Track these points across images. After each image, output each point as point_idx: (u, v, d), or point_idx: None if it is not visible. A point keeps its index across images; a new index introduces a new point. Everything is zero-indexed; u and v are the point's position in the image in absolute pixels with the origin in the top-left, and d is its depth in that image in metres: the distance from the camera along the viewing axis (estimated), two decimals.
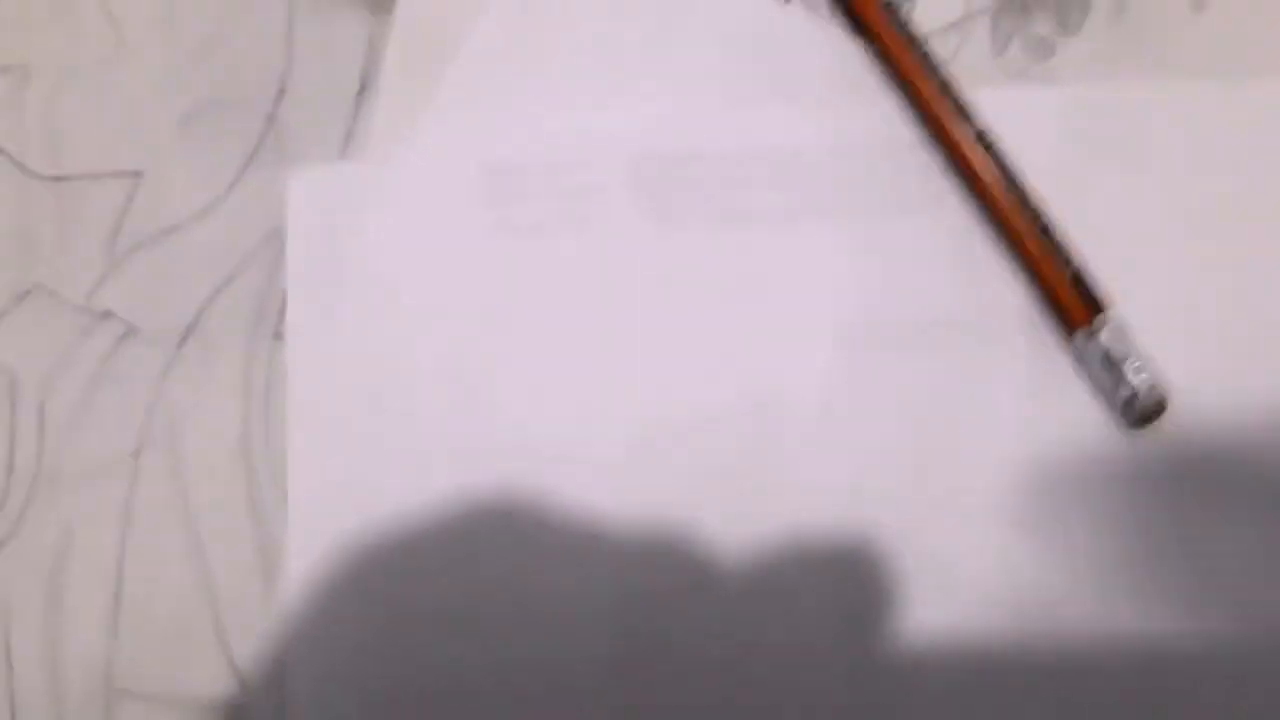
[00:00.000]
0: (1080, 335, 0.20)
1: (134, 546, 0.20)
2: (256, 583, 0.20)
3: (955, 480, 0.20)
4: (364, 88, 0.22)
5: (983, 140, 0.20)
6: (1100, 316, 0.20)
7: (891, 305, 0.21)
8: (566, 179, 0.21)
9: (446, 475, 0.20)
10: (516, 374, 0.21)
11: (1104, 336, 0.20)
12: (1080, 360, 0.20)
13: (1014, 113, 0.21)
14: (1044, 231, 0.20)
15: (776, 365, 0.20)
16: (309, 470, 0.20)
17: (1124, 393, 0.19)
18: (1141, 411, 0.19)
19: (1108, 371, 0.20)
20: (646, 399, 0.20)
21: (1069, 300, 0.20)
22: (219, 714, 0.19)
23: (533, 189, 0.21)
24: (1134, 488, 0.20)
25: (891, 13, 0.21)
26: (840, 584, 0.20)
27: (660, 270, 0.21)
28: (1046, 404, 0.20)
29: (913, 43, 0.21)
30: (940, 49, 0.22)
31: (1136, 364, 0.19)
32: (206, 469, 0.20)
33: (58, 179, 0.22)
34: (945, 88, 0.21)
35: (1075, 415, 0.20)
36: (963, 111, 0.21)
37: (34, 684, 0.20)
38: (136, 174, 0.22)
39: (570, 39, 0.22)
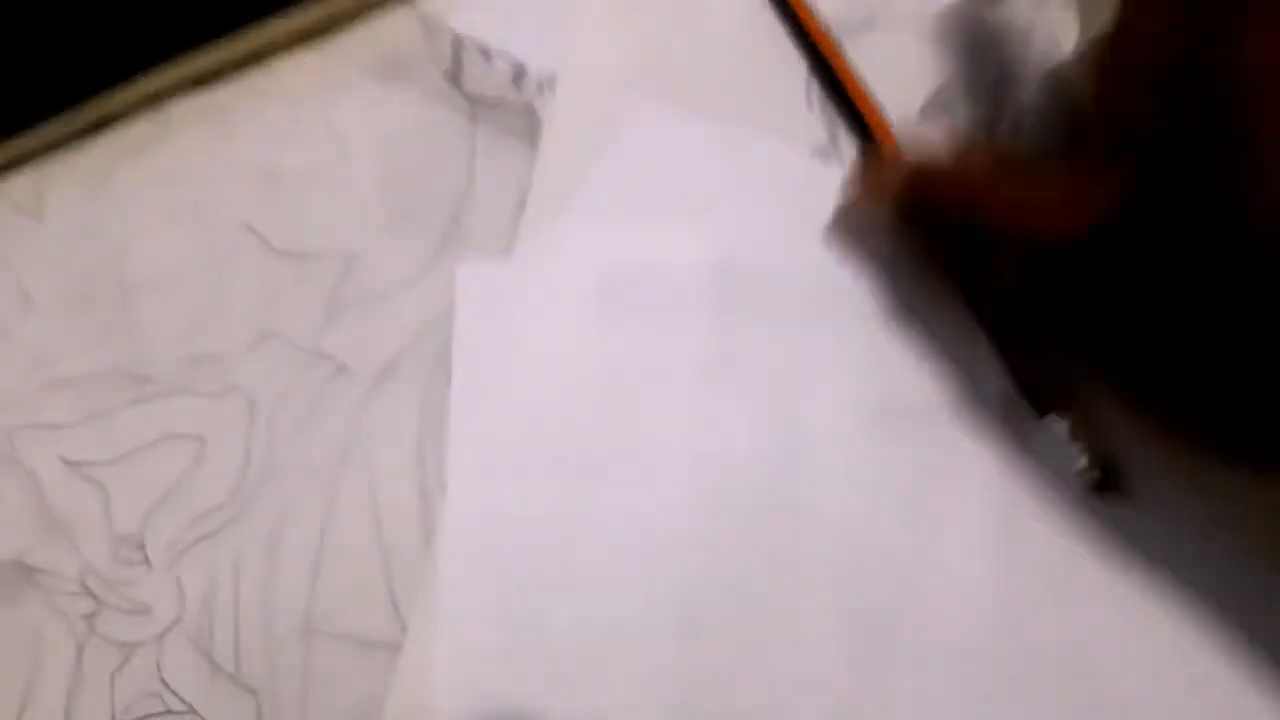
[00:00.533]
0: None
1: (332, 526, 0.27)
2: (420, 554, 0.27)
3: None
4: (523, 203, 0.30)
5: None
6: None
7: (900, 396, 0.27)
8: (658, 282, 0.29)
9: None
10: (615, 442, 0.27)
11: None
12: (1048, 439, 0.26)
13: None
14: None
15: (809, 441, 0.27)
16: (462, 486, 0.27)
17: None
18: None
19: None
20: (699, 455, 0.27)
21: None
22: (386, 650, 0.26)
23: (631, 288, 0.29)
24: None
25: None
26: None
27: (723, 356, 0.28)
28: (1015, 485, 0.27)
29: None
30: None
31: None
32: (389, 470, 0.27)
33: (297, 254, 0.30)
34: None
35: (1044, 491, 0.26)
36: None
37: (254, 623, 0.27)
38: (354, 255, 0.30)
39: (666, 172, 0.30)
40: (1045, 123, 0.27)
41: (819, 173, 0.30)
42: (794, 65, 0.30)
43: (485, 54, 0.31)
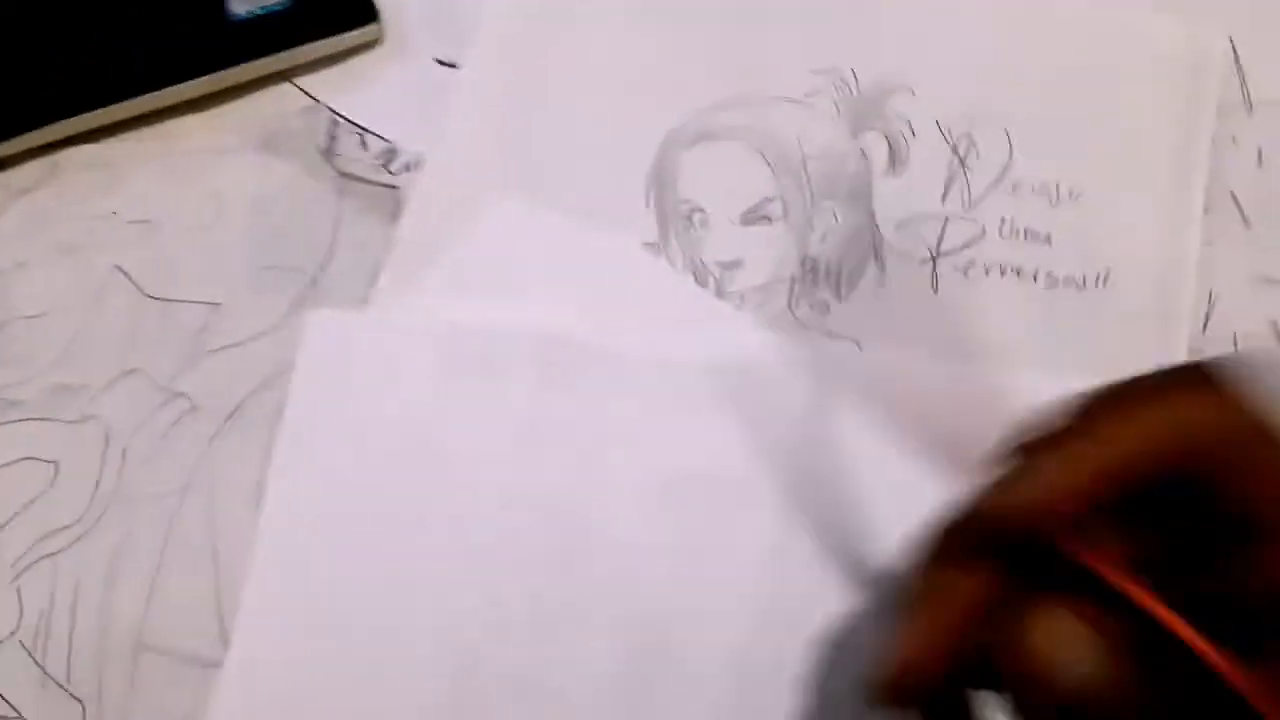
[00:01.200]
0: None
1: (171, 551, 0.30)
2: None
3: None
4: (376, 274, 0.33)
5: None
6: None
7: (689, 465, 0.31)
8: (491, 348, 0.32)
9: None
10: (430, 486, 0.31)
11: None
12: None
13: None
14: None
15: (607, 498, 0.31)
16: (279, 514, 0.30)
17: None
18: None
19: None
20: (513, 504, 0.31)
21: None
22: (211, 667, 0.29)
23: (465, 352, 0.32)
24: None
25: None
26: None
27: (542, 419, 0.32)
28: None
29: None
30: (751, 301, 0.34)
31: None
32: (229, 504, 0.30)
33: (163, 300, 0.33)
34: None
35: None
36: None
37: (88, 637, 0.29)
38: (216, 304, 0.33)
39: (516, 254, 0.34)
40: None
41: (648, 263, 0.34)
42: (637, 168, 0.35)
43: (360, 135, 0.35)
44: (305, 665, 0.29)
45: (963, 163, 0.36)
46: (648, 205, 0.35)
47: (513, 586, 0.30)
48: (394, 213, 0.34)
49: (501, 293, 0.33)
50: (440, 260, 0.33)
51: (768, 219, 0.35)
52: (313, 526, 0.30)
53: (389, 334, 0.32)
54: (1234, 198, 0.36)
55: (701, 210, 0.35)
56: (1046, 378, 0.32)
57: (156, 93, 0.35)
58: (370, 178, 0.34)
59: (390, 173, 0.34)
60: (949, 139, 0.36)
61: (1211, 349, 0.34)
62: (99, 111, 0.35)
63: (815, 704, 0.29)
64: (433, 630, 0.29)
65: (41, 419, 0.32)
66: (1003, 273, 0.35)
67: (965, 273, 0.34)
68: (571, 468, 0.31)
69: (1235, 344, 0.34)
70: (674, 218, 0.35)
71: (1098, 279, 0.35)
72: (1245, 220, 0.36)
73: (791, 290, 0.34)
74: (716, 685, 0.29)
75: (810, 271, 0.34)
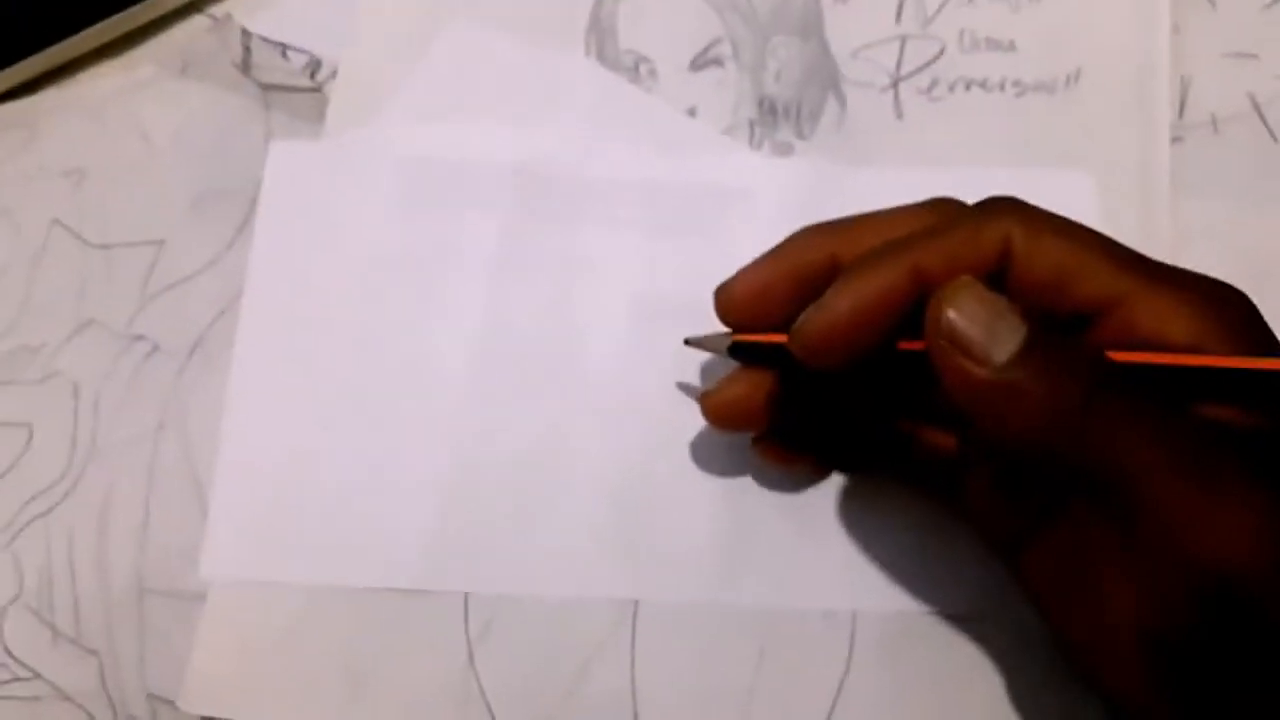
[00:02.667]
0: None
1: (155, 492, 0.29)
2: None
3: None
4: None
5: None
6: None
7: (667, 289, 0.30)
8: (460, 175, 0.31)
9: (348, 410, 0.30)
10: (404, 316, 0.30)
11: None
12: None
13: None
14: None
15: (586, 325, 0.30)
16: (251, 349, 0.30)
17: None
18: None
19: None
20: (490, 334, 0.30)
21: None
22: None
23: (434, 177, 0.31)
24: None
25: None
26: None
27: (515, 248, 0.31)
28: None
29: None
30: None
31: None
32: (204, 436, 0.30)
33: (106, 246, 0.32)
34: None
35: None
36: None
37: (90, 587, 0.29)
38: (160, 242, 0.32)
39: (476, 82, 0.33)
40: None
41: (622, 90, 0.33)
42: (573, 24, 0.33)
43: (281, 49, 0.33)
44: (285, 503, 0.29)
45: None
46: (589, 58, 0.33)
47: (490, 421, 0.29)
48: (323, 119, 0.32)
49: (463, 120, 0.32)
50: (400, 91, 0.32)
51: (718, 62, 0.33)
52: (283, 364, 0.30)
53: (353, 162, 0.32)
54: None
55: (647, 60, 0.33)
56: (1008, 172, 0.31)
57: (66, 41, 0.33)
58: (294, 84, 0.33)
59: (315, 81, 0.33)
60: None
61: (1192, 135, 0.32)
62: (9, 70, 0.33)
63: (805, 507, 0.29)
64: (415, 464, 0.29)
65: (5, 383, 0.31)
66: (968, 87, 0.33)
67: (929, 93, 0.33)
68: (549, 298, 0.30)
69: (1214, 124, 0.32)
70: (618, 70, 0.33)
71: (1068, 79, 0.33)
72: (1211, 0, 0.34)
73: (752, 134, 0.32)
74: (704, 504, 0.29)
75: (769, 112, 0.33)
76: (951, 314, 0.21)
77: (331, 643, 0.28)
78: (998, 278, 0.22)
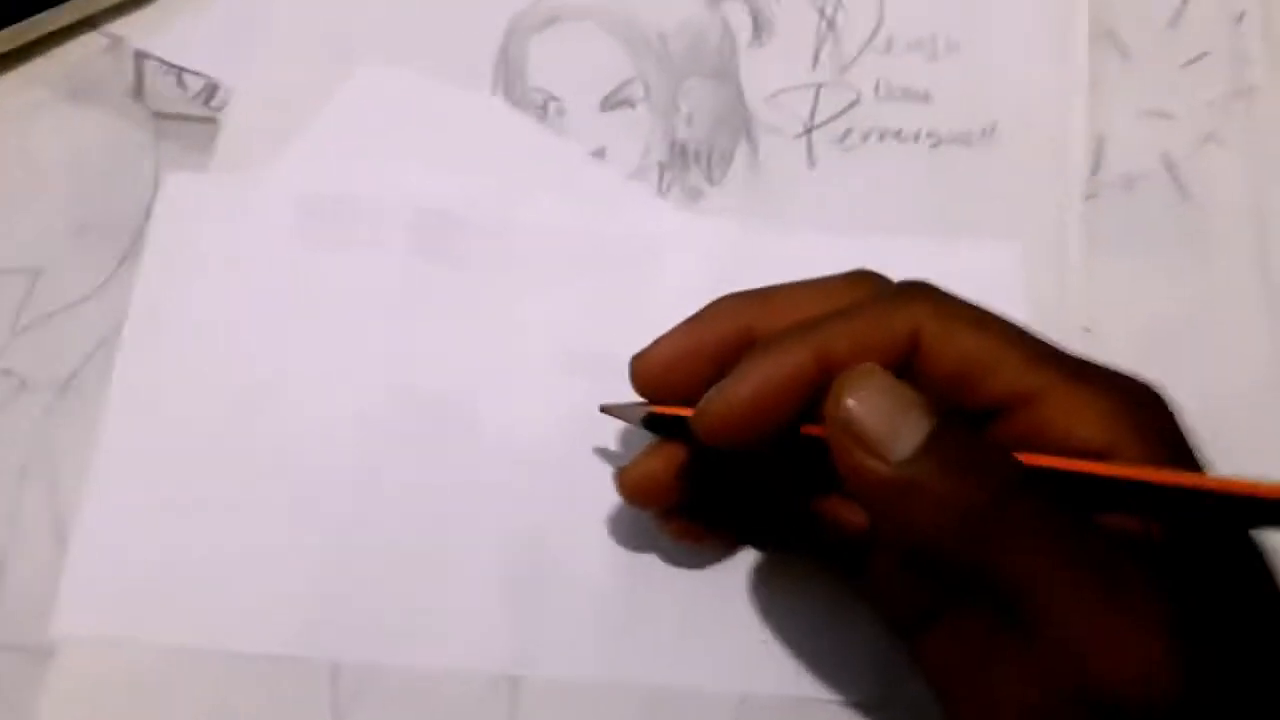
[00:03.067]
0: None
1: (14, 542, 0.27)
2: None
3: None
4: None
5: None
6: None
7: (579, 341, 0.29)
8: (359, 213, 0.30)
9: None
10: (294, 362, 0.29)
11: None
12: None
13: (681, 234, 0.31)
14: None
15: (492, 377, 0.29)
16: (127, 395, 0.28)
17: None
18: None
19: None
20: (387, 384, 0.28)
21: None
22: None
23: (331, 213, 0.30)
24: None
25: None
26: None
27: (418, 293, 0.29)
28: None
29: None
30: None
31: None
32: (71, 486, 0.28)
33: None
34: None
35: None
36: None
37: None
38: (38, 270, 0.30)
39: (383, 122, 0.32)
40: None
41: (531, 131, 0.32)
42: (481, 59, 0.32)
43: (177, 73, 0.32)
44: (150, 558, 0.27)
45: (830, 24, 0.33)
46: (496, 96, 0.32)
47: (378, 478, 0.28)
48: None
49: (366, 159, 0.31)
50: (290, 131, 0.31)
51: (629, 104, 0.32)
52: (163, 406, 0.28)
53: (249, 197, 0.30)
54: (1111, 34, 0.34)
55: (556, 99, 0.32)
56: (935, 242, 0.31)
57: None
58: (187, 112, 0.31)
59: (211, 108, 0.32)
60: (815, 1, 0.34)
61: (1106, 192, 0.32)
62: None
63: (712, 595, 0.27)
64: (293, 524, 0.27)
65: None
66: (882, 138, 0.33)
67: (842, 142, 0.32)
68: (449, 346, 0.29)
69: (1130, 184, 0.32)
70: (527, 109, 0.32)
71: (983, 132, 0.33)
72: (1125, 54, 0.34)
73: (661, 177, 0.32)
74: (597, 575, 0.27)
75: (679, 155, 0.32)
76: (850, 403, 0.20)
77: (190, 709, 0.26)
78: (905, 368, 0.22)
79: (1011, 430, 0.21)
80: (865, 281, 0.24)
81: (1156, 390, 0.21)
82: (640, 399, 0.25)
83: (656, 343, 0.24)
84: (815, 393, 0.21)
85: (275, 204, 0.30)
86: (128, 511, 0.27)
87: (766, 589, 0.27)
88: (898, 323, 0.22)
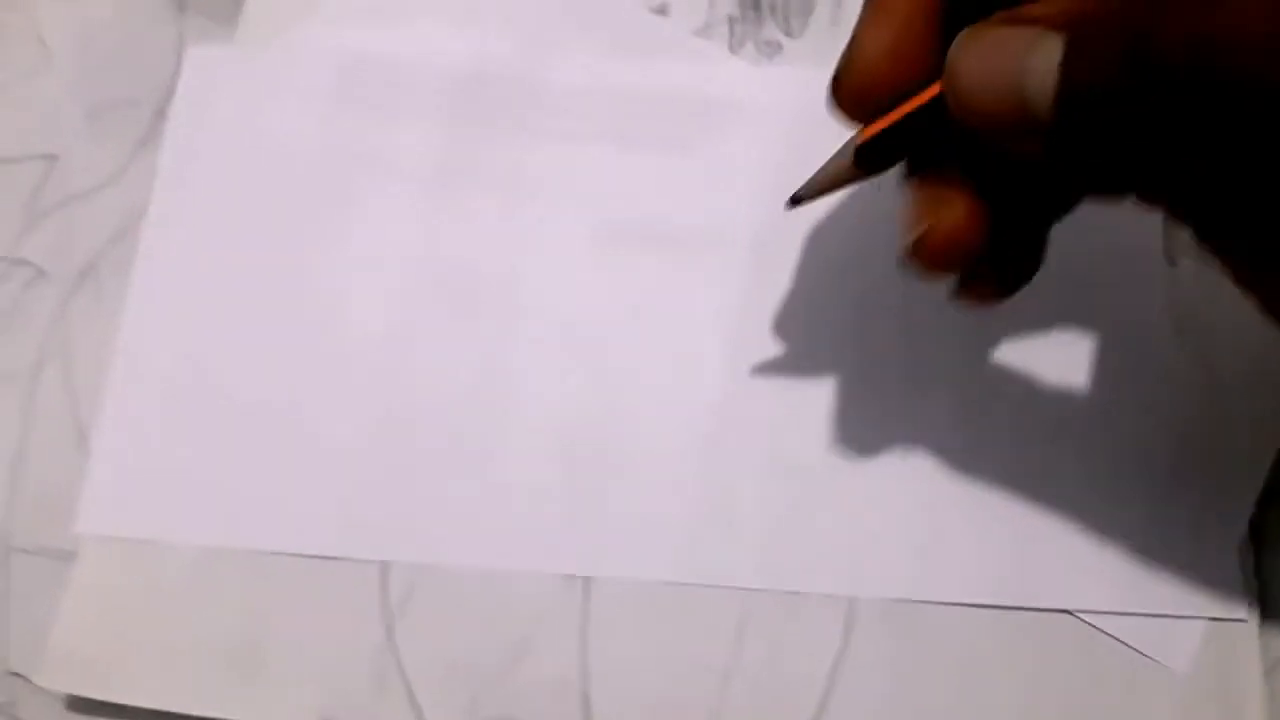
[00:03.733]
0: None
1: (31, 436, 0.25)
2: None
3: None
4: None
5: None
6: None
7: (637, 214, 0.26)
8: (401, 80, 0.27)
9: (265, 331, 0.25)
10: (318, 235, 0.26)
11: None
12: None
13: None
14: None
15: (538, 254, 0.26)
16: (152, 272, 0.26)
17: None
18: None
19: None
20: (424, 262, 0.26)
21: None
22: None
23: (370, 82, 0.27)
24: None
25: None
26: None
27: (458, 163, 0.26)
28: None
29: None
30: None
31: None
32: (89, 373, 0.25)
33: None
34: None
35: None
36: None
37: None
38: (53, 157, 0.28)
39: None
40: None
41: None
42: None
43: None
44: (179, 453, 0.24)
45: None
46: None
47: (420, 362, 0.25)
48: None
49: (403, 21, 0.28)
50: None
51: None
52: (188, 295, 0.26)
53: (278, 68, 0.27)
54: None
55: None
56: None
57: None
58: None
59: None
60: None
61: None
62: None
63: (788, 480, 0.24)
64: (327, 405, 0.25)
65: None
66: None
67: None
68: (494, 219, 0.26)
69: None
70: None
71: None
72: None
73: (732, 31, 0.28)
74: (672, 444, 0.24)
75: (752, 7, 0.28)
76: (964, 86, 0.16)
77: (223, 614, 0.23)
78: None
79: None
80: None
81: None
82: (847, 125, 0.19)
83: (857, 42, 0.19)
84: None
85: (305, 71, 0.27)
86: (152, 407, 0.25)
87: (868, 485, 0.24)
88: None
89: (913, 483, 0.24)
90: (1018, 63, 0.16)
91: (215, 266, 0.26)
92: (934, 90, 0.18)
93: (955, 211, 0.18)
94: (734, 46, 0.28)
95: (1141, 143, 0.15)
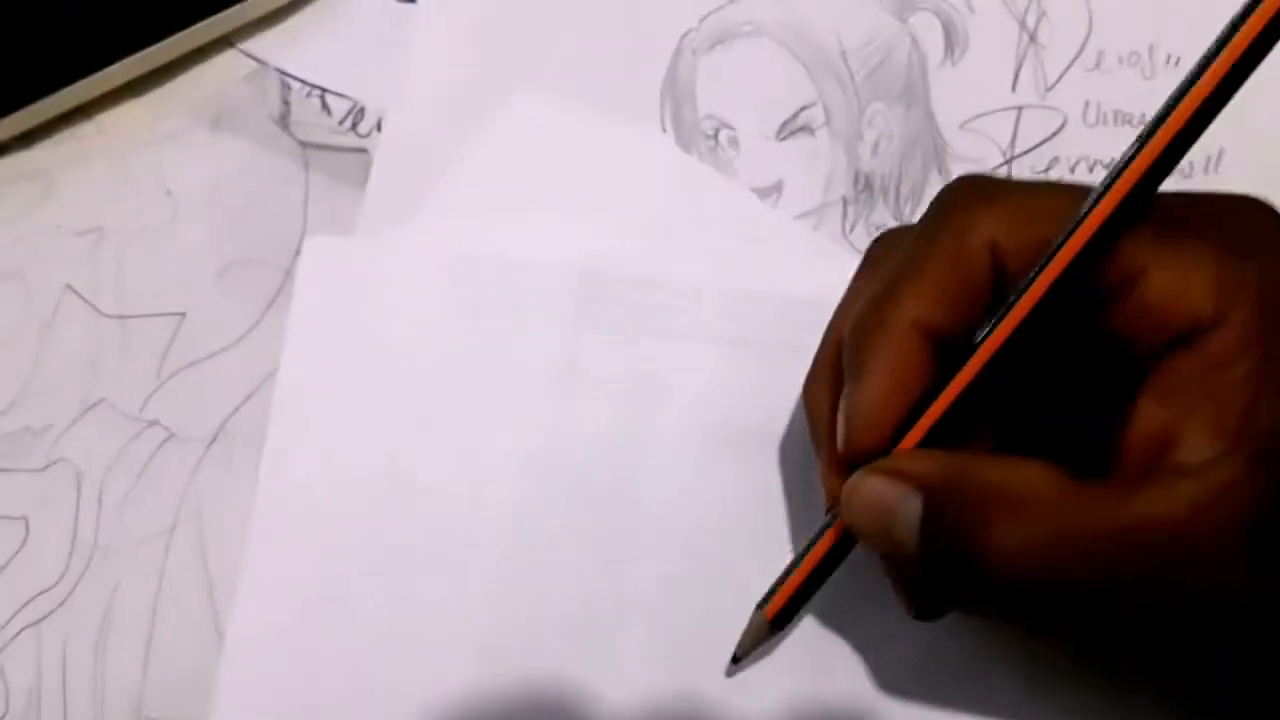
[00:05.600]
0: None
1: (164, 603, 0.26)
2: None
3: None
4: None
5: None
6: None
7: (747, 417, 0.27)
8: (519, 279, 0.28)
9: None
10: (441, 432, 0.26)
11: None
12: None
13: None
14: None
15: (643, 456, 0.26)
16: (278, 471, 0.26)
17: None
18: None
19: None
20: (542, 462, 0.26)
21: None
22: None
23: (488, 279, 0.28)
24: None
25: None
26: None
27: (573, 361, 0.27)
28: None
29: None
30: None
31: None
32: (222, 539, 0.26)
33: (122, 317, 0.29)
34: None
35: None
36: None
37: (83, 711, 0.25)
38: (182, 314, 0.28)
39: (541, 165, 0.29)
40: None
41: (701, 174, 0.29)
42: (647, 86, 0.29)
43: (320, 96, 0.30)
44: (308, 647, 0.25)
45: (1033, 38, 0.30)
46: (664, 129, 0.30)
47: (540, 564, 0.26)
48: (366, 180, 0.29)
49: (528, 210, 0.28)
50: (453, 174, 0.28)
51: (808, 130, 0.29)
52: (313, 489, 0.26)
53: (397, 262, 0.28)
54: None
55: (729, 126, 0.29)
56: None
57: (87, 79, 0.30)
58: (336, 143, 0.29)
59: (359, 135, 0.29)
60: (1015, 11, 0.30)
61: None
62: (25, 111, 0.30)
63: None
64: (448, 613, 0.25)
65: (3, 470, 0.28)
66: (1091, 168, 0.29)
67: (1046, 172, 0.29)
68: (613, 421, 0.27)
69: None
70: (696, 138, 0.29)
71: (1208, 163, 0.29)
72: None
73: (844, 214, 0.29)
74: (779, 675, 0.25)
75: (864, 189, 0.29)
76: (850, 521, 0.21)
77: None
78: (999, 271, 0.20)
79: (1125, 315, 0.20)
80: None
81: (1267, 209, 0.20)
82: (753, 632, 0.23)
83: (861, 385, 0.21)
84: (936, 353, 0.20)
85: (425, 265, 0.28)
86: (279, 613, 0.25)
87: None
88: (970, 245, 0.20)
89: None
90: (888, 515, 0.19)
91: (338, 457, 0.26)
92: (822, 549, 0.21)
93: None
94: (846, 229, 0.29)
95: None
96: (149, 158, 0.30)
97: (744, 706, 0.24)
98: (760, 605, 0.22)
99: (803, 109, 0.29)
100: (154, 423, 0.28)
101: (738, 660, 0.23)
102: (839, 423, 0.21)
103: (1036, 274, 0.19)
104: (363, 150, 0.29)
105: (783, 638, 0.23)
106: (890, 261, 0.21)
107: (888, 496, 0.19)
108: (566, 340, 0.27)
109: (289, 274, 0.28)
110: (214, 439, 0.27)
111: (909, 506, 0.19)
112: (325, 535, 0.26)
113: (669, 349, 0.27)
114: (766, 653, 0.24)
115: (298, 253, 0.28)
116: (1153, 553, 0.18)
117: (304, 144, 0.30)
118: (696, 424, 0.27)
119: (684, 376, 0.27)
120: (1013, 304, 0.19)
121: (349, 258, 0.28)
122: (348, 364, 0.27)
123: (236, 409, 0.27)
